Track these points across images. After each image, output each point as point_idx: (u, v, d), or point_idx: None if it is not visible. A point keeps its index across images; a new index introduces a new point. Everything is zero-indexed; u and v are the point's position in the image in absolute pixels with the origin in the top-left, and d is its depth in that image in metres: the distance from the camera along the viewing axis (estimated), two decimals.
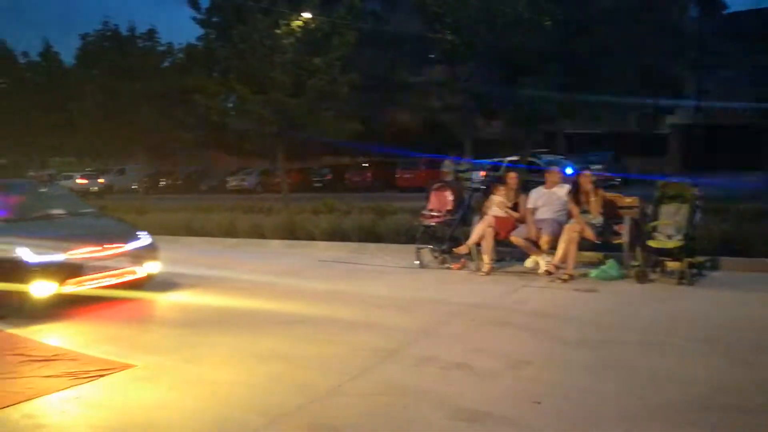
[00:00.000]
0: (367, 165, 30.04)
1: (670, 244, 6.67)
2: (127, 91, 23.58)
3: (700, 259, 7.03)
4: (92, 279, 6.62)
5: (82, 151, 30.50)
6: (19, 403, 4.05)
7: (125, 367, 4.70)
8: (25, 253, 6.30)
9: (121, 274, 6.91)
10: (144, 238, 7.42)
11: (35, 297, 6.25)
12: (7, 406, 4.00)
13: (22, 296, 6.22)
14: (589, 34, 12.75)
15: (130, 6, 43.86)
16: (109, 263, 6.82)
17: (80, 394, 4.23)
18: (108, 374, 4.54)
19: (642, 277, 6.84)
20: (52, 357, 5.04)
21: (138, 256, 7.13)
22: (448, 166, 14.52)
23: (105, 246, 6.83)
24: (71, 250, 6.52)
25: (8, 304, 6.34)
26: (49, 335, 5.77)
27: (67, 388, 4.30)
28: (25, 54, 30.04)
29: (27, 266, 6.27)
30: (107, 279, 6.75)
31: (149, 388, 4.30)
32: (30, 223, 7.16)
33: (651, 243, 6.79)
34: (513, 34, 12.66)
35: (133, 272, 7.04)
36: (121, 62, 24.07)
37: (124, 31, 25.49)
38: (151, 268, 7.27)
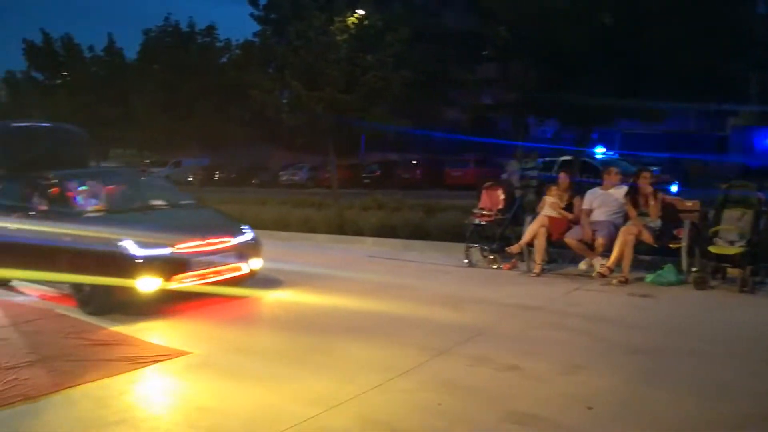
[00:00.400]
0: (416, 162, 29.98)
1: (732, 251, 6.43)
2: (186, 85, 24.22)
3: (763, 266, 6.75)
4: (198, 275, 6.24)
5: (142, 144, 31.41)
6: (81, 384, 4.22)
7: (181, 353, 4.84)
8: (129, 246, 5.94)
9: (227, 270, 6.54)
10: (248, 233, 7.01)
11: (140, 292, 5.91)
12: (70, 387, 4.18)
13: (127, 292, 5.91)
14: (649, 31, 12.35)
15: (190, 1, 45.01)
16: (216, 258, 6.45)
17: (139, 378, 4.40)
18: (164, 360, 4.69)
19: (701, 284, 6.61)
20: (111, 341, 5.23)
21: (243, 251, 6.76)
22: (513, 165, 14.36)
23: (211, 240, 6.44)
24: (177, 243, 6.15)
25: (112, 300, 6.11)
26: (140, 329, 5.60)
27: (126, 372, 4.46)
28: (90, 48, 31.06)
29: (131, 260, 5.90)
30: (213, 275, 6.37)
31: (206, 377, 4.42)
32: (132, 215, 6.80)
33: (712, 248, 6.55)
34: (569, 31, 12.36)
35: (238, 268, 6.67)
36: (181, 57, 24.74)
37: (184, 26, 26.18)
38: (254, 264, 6.86)
